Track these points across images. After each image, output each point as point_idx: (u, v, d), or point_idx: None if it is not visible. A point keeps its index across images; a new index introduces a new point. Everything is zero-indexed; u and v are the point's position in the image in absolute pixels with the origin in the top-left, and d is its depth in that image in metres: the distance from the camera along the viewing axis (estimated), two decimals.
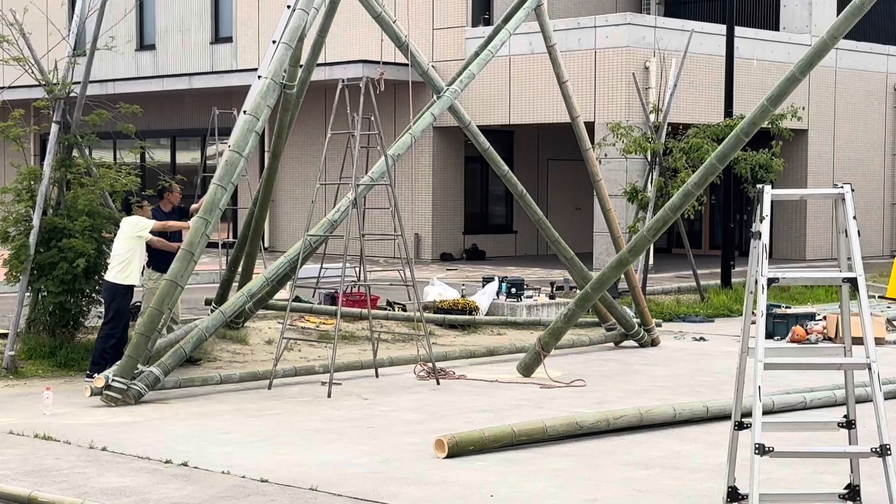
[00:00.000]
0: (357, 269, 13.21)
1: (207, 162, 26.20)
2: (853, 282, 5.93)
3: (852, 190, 5.88)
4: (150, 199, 11.94)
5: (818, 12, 26.48)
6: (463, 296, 15.67)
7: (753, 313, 6.08)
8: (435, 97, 13.24)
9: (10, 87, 13.34)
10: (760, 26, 26.54)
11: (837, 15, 25.24)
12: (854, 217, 5.91)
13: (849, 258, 6.04)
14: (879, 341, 14.29)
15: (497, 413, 10.12)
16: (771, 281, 5.88)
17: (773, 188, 6.08)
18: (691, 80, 23.21)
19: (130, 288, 11.35)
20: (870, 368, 5.98)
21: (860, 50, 27.16)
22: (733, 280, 19.37)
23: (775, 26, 26.76)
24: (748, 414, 6.17)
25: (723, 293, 18.66)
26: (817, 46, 9.34)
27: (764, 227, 5.95)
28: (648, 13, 28.21)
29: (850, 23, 9.06)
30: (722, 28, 22.63)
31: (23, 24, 11.98)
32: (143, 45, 31.10)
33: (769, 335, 14.96)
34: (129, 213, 11.62)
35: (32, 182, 12.01)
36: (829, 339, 14.81)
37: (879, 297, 19.15)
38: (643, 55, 22.85)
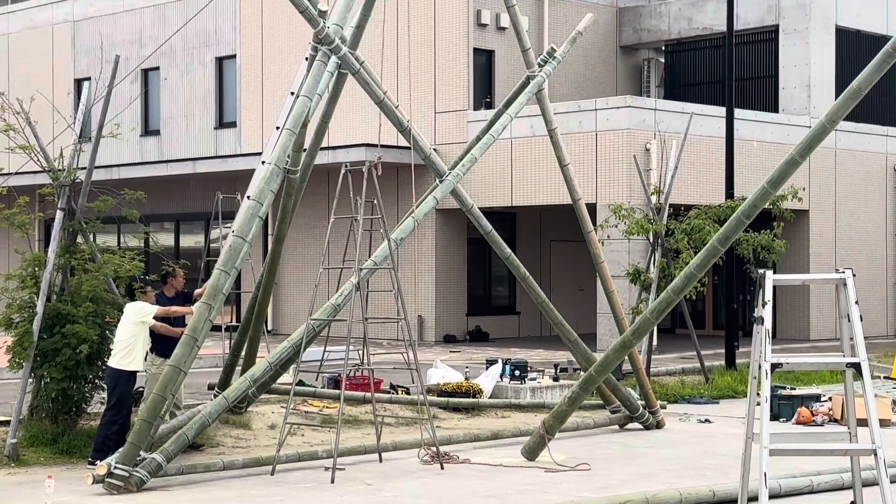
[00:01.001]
0: (360, 353, 13.18)
1: (211, 245, 26.31)
2: (857, 367, 5.92)
3: (854, 275, 5.89)
4: (153, 284, 11.96)
5: (816, 94, 26.72)
6: (466, 378, 15.61)
7: (758, 395, 6.06)
8: (437, 181, 13.33)
9: (16, 174, 13.43)
10: (760, 108, 26.77)
11: (836, 97, 25.49)
12: (856, 302, 5.92)
13: (851, 340, 6.04)
14: (885, 423, 14.19)
15: (501, 498, 10.03)
16: (774, 366, 5.87)
17: (775, 269, 6.11)
18: (692, 161, 23.35)
19: (133, 374, 11.33)
20: (875, 454, 5.95)
21: (859, 131, 27.35)
22: (738, 361, 19.31)
23: (774, 108, 27.00)
24: (755, 498, 6.12)
25: (727, 374, 18.59)
26: (816, 130, 9.41)
27: (766, 312, 5.96)
28: (648, 96, 28.50)
29: (847, 106, 9.15)
30: (721, 110, 22.82)
31: (29, 112, 12.11)
32: (148, 130, 31.38)
33: (774, 417, 14.86)
34: (132, 298, 11.63)
35: (37, 268, 12.05)
36: (836, 421, 14.71)
37: (885, 377, 19.06)
38: (644, 137, 23.03)
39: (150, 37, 30.83)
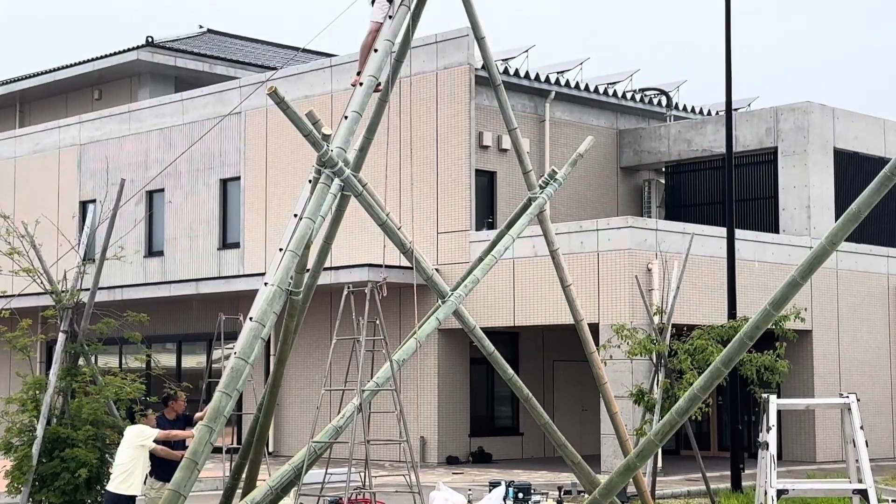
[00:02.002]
0: (362, 475, 13.03)
1: (213, 366, 26.20)
2: (864, 493, 5.84)
3: (858, 399, 5.86)
4: (154, 406, 11.89)
5: (816, 215, 26.87)
6: (469, 501, 15.41)
7: None
8: (440, 302, 13.35)
9: (19, 295, 13.44)
10: (760, 229, 26.89)
11: (836, 218, 25.64)
12: (861, 427, 5.87)
13: (857, 464, 5.96)
14: None
15: None
16: (780, 493, 5.80)
17: (779, 390, 6.07)
18: (694, 281, 23.39)
19: (132, 498, 11.19)
20: None
21: (860, 252, 27.42)
22: (744, 483, 19.06)
23: (775, 229, 27.12)
24: None
25: (733, 497, 18.33)
26: (817, 252, 9.44)
27: (771, 437, 5.90)
28: (649, 216, 28.69)
29: (847, 229, 9.18)
30: (723, 231, 22.93)
31: (34, 235, 12.18)
32: (152, 251, 31.53)
33: None
34: (132, 421, 11.55)
35: (37, 392, 12.00)
36: None
37: (892, 500, 18.79)
38: (645, 257, 23.10)
39: (155, 159, 31.19)
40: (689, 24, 70.58)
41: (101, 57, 36.25)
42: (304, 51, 38.06)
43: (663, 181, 30.02)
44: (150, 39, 35.35)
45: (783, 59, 68.85)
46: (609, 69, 40.33)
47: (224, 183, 30.24)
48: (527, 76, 27.21)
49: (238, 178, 29.80)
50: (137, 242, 30.99)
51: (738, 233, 23.17)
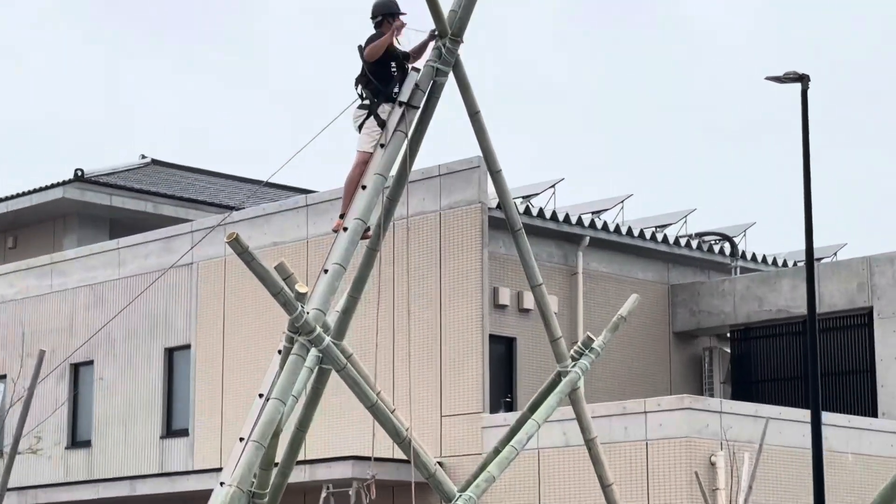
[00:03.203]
0: None
1: None
2: None
3: None
4: None
5: None
6: None
7: None
8: None
9: None
10: (854, 412, 26.72)
11: None
12: None
13: None
14: None
15: None
16: None
17: None
18: (770, 478, 23.18)
19: None
20: None
21: None
22: None
23: (872, 411, 26.95)
24: None
25: None
26: None
27: None
28: (711, 395, 28.57)
29: None
30: (805, 414, 22.81)
31: None
32: (76, 441, 31.36)
33: None
34: None
35: None
36: None
37: None
38: (707, 447, 22.94)
39: (83, 323, 31.27)
40: (756, 154, 71.56)
41: (18, 195, 36.64)
42: (271, 185, 38.46)
43: (728, 350, 29.99)
44: (79, 173, 35.79)
45: (875, 199, 69.56)
46: (657, 208, 40.66)
47: (170, 353, 30.23)
48: (554, 217, 27.48)
49: (187, 347, 29.81)
50: (58, 430, 30.83)
51: (826, 416, 23.04)
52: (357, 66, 13.47)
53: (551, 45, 73.71)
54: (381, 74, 13.19)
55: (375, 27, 13.52)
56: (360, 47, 13.47)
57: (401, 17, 13.55)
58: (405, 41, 13.35)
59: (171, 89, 75.49)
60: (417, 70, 13.22)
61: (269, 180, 14.47)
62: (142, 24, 75.82)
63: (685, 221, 31.20)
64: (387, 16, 13.55)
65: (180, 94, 75.12)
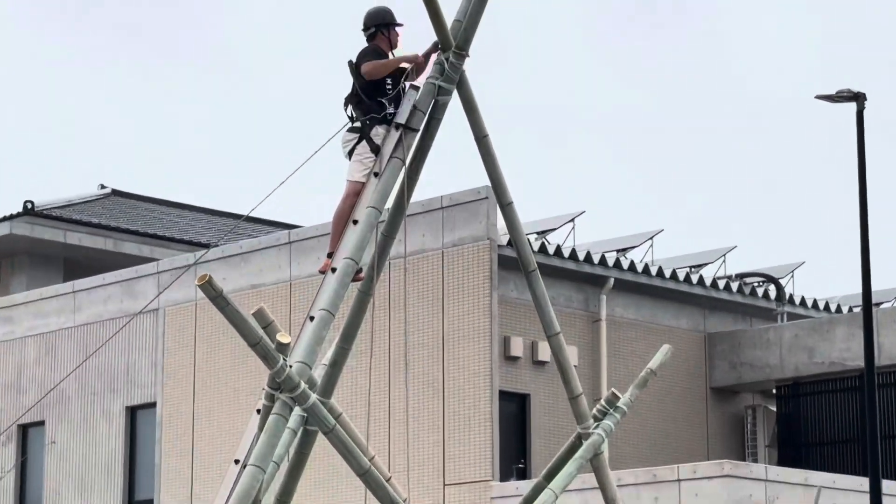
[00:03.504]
0: None
1: None
2: None
3: None
4: None
5: None
6: None
7: None
8: None
9: None
10: None
11: None
12: None
13: None
14: None
15: None
16: None
17: None
18: None
19: None
20: None
21: None
22: None
23: None
24: None
25: None
26: None
27: None
28: (755, 460, 28.50)
29: None
30: (863, 482, 22.77)
31: None
32: None
33: None
34: None
35: None
36: None
37: None
38: None
39: (32, 379, 31.22)
40: (805, 183, 71.56)
41: None
42: (249, 219, 38.43)
43: (774, 408, 29.93)
44: (28, 205, 35.78)
45: None
46: (692, 246, 40.59)
47: (132, 412, 30.17)
48: (574, 256, 27.46)
49: (152, 406, 29.75)
50: (3, 501, 30.71)
51: (887, 485, 22.98)
52: (346, 84, 13.50)
53: (570, 61, 73.72)
54: (375, 93, 13.19)
55: (368, 39, 13.54)
56: (350, 63, 13.48)
57: (397, 29, 13.58)
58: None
59: (133, 111, 75.58)
60: (417, 88, 13.23)
61: (249, 215, 14.47)
62: (100, 37, 76.04)
63: (724, 261, 31.18)
64: (381, 27, 13.57)
65: (144, 115, 75.19)
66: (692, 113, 72.12)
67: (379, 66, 13.18)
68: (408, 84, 13.29)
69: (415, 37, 13.59)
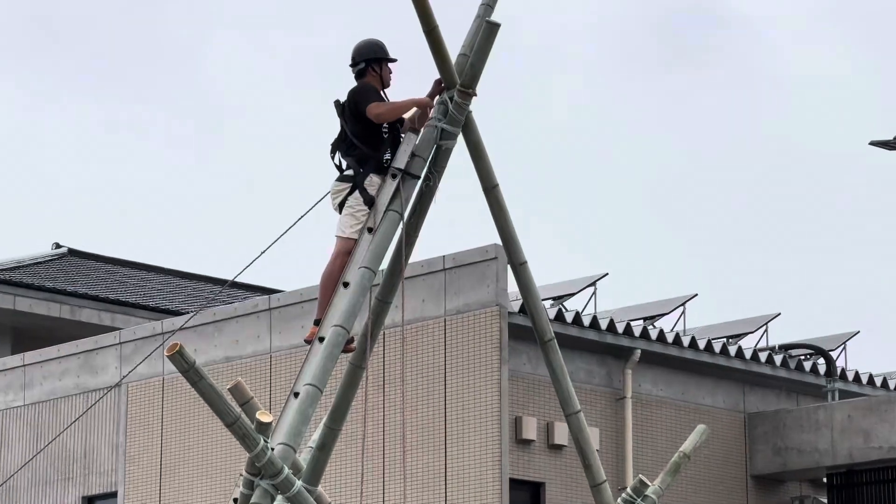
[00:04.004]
0: None
1: None
2: None
3: None
4: None
5: None
6: None
7: None
8: None
9: None
10: None
11: None
12: None
13: None
14: None
15: None
16: None
17: None
18: None
19: None
20: None
21: None
22: None
23: None
24: None
25: None
26: None
27: None
28: None
29: None
30: None
31: None
32: None
33: None
34: None
35: None
36: None
37: None
38: None
39: None
40: (859, 241, 71.50)
41: None
42: (229, 284, 38.39)
43: (825, 500, 29.87)
44: None
45: None
46: (729, 313, 40.51)
47: (89, 503, 30.12)
48: (595, 325, 27.46)
49: (113, 496, 29.71)
50: None
51: None
52: (329, 131, 13.49)
53: (593, 104, 73.95)
54: (370, 137, 13.16)
55: (357, 75, 13.49)
56: (338, 103, 13.44)
57: (390, 65, 13.55)
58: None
59: (93, 160, 75.67)
60: (417, 131, 13.22)
61: (232, 280, 14.44)
62: (52, 82, 76.24)
63: (766, 330, 31.17)
64: (372, 62, 13.53)
65: (105, 166, 75.26)
66: (728, 165, 72.19)
67: (391, 108, 13.12)
68: (407, 127, 13.26)
69: (408, 73, 13.61)
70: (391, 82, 13.52)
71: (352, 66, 13.54)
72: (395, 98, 13.40)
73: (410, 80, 13.72)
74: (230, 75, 75.99)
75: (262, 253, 13.40)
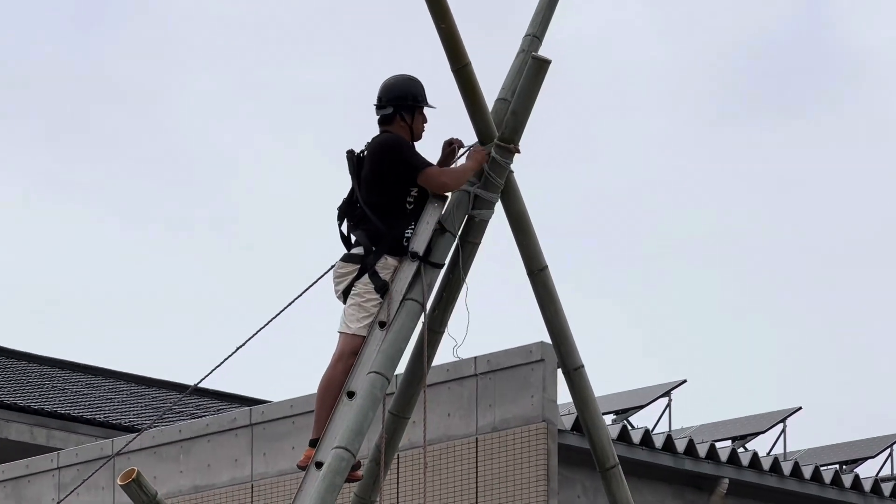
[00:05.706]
0: None
1: None
2: None
3: None
4: None
5: None
6: None
7: None
8: None
9: None
10: None
11: None
12: None
13: None
14: None
15: None
16: None
17: None
18: None
19: None
20: None
21: None
22: None
23: None
24: None
25: None
26: None
27: None
28: None
29: None
30: None
31: None
32: None
33: None
34: None
35: None
36: None
37: None
38: None
39: None
40: None
41: None
42: (195, 392, 38.43)
43: None
44: None
45: None
46: (843, 431, 40.56)
47: None
48: (670, 447, 27.50)
49: None
50: None
51: None
52: (339, 185, 13.43)
53: (656, 152, 73.98)
54: (389, 208, 12.90)
55: (381, 122, 13.11)
56: (352, 155, 13.19)
57: (425, 111, 13.24)
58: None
59: (22, 231, 76.04)
60: (444, 199, 13.10)
61: (195, 386, 14.44)
62: None
63: (891, 453, 31.22)
64: (402, 108, 13.11)
65: (34, 247, 75.56)
66: (849, 252, 72.30)
67: (458, 177, 12.71)
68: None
69: (448, 124, 13.52)
70: (423, 135, 13.18)
71: (377, 106, 13.08)
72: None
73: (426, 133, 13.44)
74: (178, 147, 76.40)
75: (236, 350, 13.36)
